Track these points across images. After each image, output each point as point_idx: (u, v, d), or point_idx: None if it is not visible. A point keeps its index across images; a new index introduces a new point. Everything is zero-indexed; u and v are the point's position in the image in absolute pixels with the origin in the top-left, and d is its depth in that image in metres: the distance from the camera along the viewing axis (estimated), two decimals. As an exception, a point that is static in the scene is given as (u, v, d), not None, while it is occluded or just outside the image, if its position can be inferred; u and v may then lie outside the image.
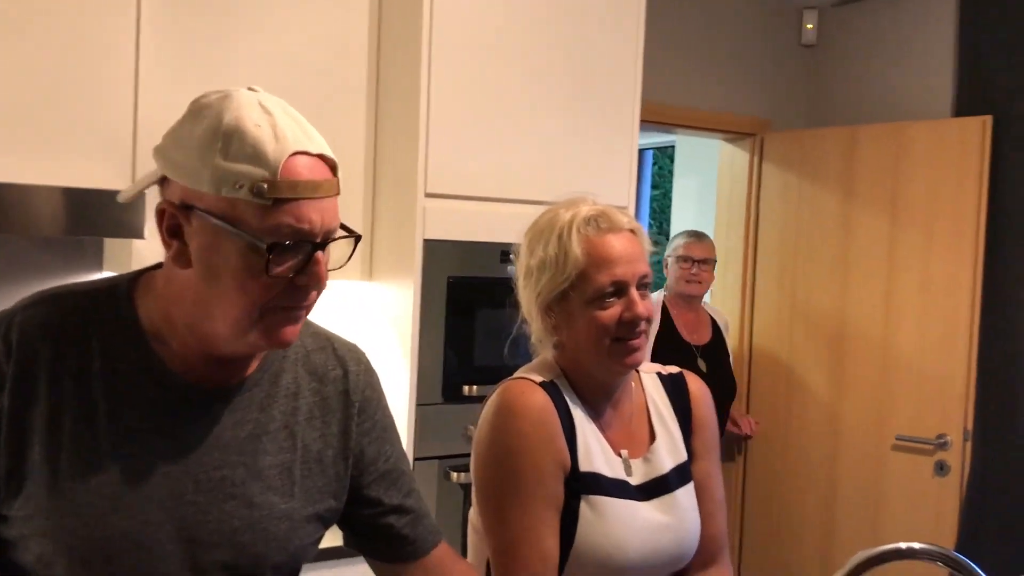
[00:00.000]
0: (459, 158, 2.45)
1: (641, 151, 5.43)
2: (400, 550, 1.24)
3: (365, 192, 2.56)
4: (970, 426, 3.13)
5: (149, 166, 2.25)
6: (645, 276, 1.42)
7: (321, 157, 1.01)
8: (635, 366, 1.45)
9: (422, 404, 2.42)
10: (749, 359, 3.75)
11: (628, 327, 1.40)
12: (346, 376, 1.19)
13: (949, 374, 3.16)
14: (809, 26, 3.73)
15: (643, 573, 1.43)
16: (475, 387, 2.48)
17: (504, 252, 2.52)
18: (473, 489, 1.46)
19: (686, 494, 1.49)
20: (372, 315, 2.57)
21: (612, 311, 1.40)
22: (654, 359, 3.02)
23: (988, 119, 3.10)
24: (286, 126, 1.00)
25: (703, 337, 3.34)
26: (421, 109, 2.38)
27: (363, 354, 1.24)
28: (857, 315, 3.40)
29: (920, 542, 1.14)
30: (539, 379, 1.43)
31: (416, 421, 2.41)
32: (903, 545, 1.14)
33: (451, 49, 2.43)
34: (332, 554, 1.99)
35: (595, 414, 1.46)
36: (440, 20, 2.40)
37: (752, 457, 3.72)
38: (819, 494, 3.50)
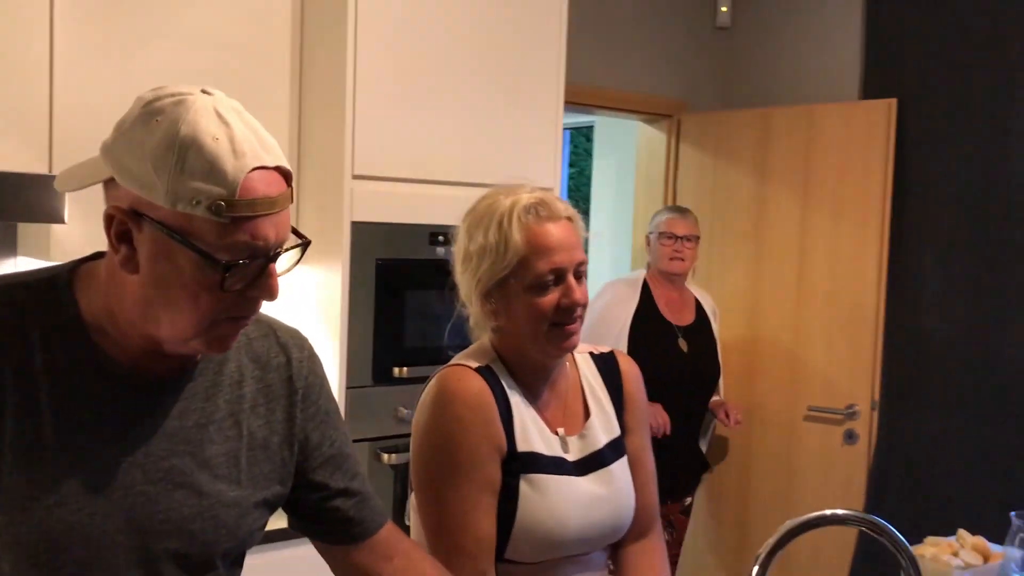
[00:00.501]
0: (386, 140, 2.45)
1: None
2: (347, 532, 1.26)
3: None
4: (877, 396, 3.29)
5: (67, 148, 2.19)
6: (582, 263, 1.47)
7: (277, 169, 1.00)
8: (571, 349, 1.50)
9: (352, 387, 2.42)
10: (668, 335, 3.85)
11: (565, 313, 1.44)
12: (289, 363, 1.20)
13: (858, 347, 3.31)
14: (724, 9, 3.82)
15: (582, 545, 1.49)
16: (405, 369, 2.49)
17: (433, 234, 2.53)
18: (411, 474, 1.49)
19: (620, 467, 1.55)
20: (300, 298, 2.55)
21: (550, 297, 1.44)
22: (632, 336, 2.92)
23: (893, 102, 3.24)
24: (244, 138, 0.98)
25: (686, 318, 3.23)
26: (347, 90, 2.36)
27: (306, 340, 1.25)
28: (770, 292, 3.53)
29: (830, 508, 1.21)
30: (475, 365, 1.47)
31: (346, 404, 2.41)
32: (828, 512, 1.21)
33: (377, 29, 2.42)
34: (274, 536, 1.99)
35: (532, 395, 1.51)
36: (366, 3, 2.39)
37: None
38: (736, 464, 3.63)
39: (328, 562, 1.30)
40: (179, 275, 0.98)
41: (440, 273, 2.55)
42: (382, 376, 2.48)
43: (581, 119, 4.52)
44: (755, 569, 1.19)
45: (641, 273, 3.28)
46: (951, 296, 3.15)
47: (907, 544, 1.18)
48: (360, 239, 2.41)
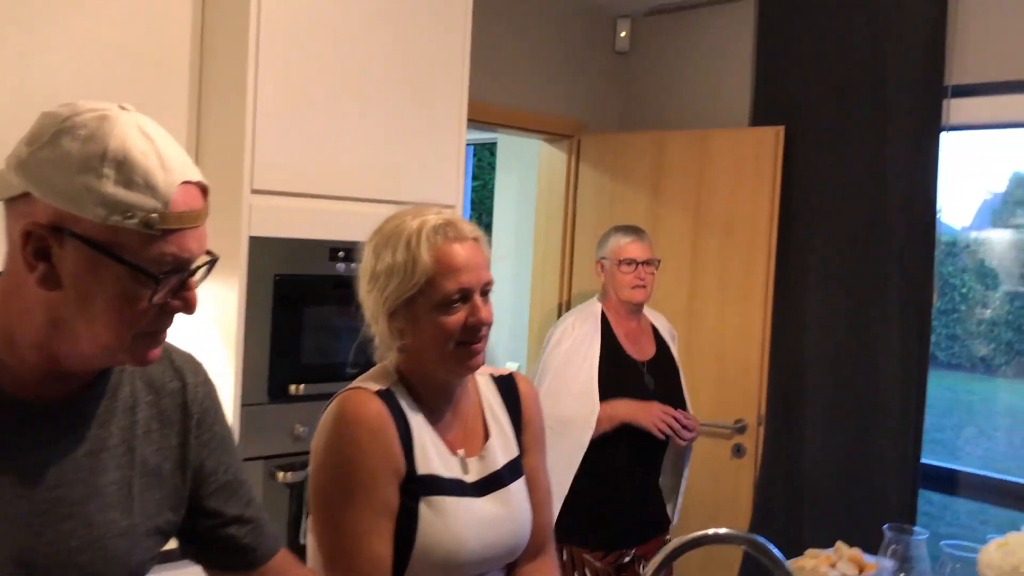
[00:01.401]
0: (287, 154, 2.43)
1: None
2: (241, 559, 1.26)
3: (186, 186, 2.48)
4: (763, 411, 3.42)
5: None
6: (488, 283, 1.51)
7: (198, 184, 1.03)
8: (476, 368, 1.54)
9: (247, 404, 2.38)
10: (566, 350, 3.91)
11: (471, 332, 1.48)
12: (184, 388, 1.19)
13: (746, 364, 3.44)
14: (623, 34, 3.92)
15: (481, 566, 1.51)
16: (302, 386, 2.47)
17: (333, 249, 2.52)
18: (308, 497, 1.49)
19: (519, 487, 1.58)
20: (196, 314, 2.50)
21: (457, 317, 1.46)
22: (607, 373, 2.81)
23: (781, 129, 3.38)
24: (168, 154, 1.00)
25: (647, 350, 2.93)
26: (248, 103, 2.33)
27: (201, 365, 1.25)
28: (663, 310, 3.61)
29: (718, 522, 1.27)
30: (375, 388, 1.48)
31: (241, 421, 2.38)
32: (711, 531, 1.26)
33: (279, 42, 2.39)
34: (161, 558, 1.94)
35: (433, 417, 1.52)
36: (268, 10, 2.37)
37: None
38: (629, 477, 3.70)
39: None
40: (104, 289, 0.98)
41: (340, 289, 2.55)
42: (278, 393, 2.45)
43: (484, 135, 4.56)
44: (644, 587, 1.24)
45: (596, 305, 2.96)
46: (830, 317, 3.30)
47: (784, 561, 1.25)
48: (258, 254, 2.38)
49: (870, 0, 3.23)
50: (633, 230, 2.98)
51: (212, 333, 2.43)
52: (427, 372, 1.52)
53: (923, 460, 3.19)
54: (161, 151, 0.99)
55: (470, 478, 1.52)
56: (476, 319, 1.47)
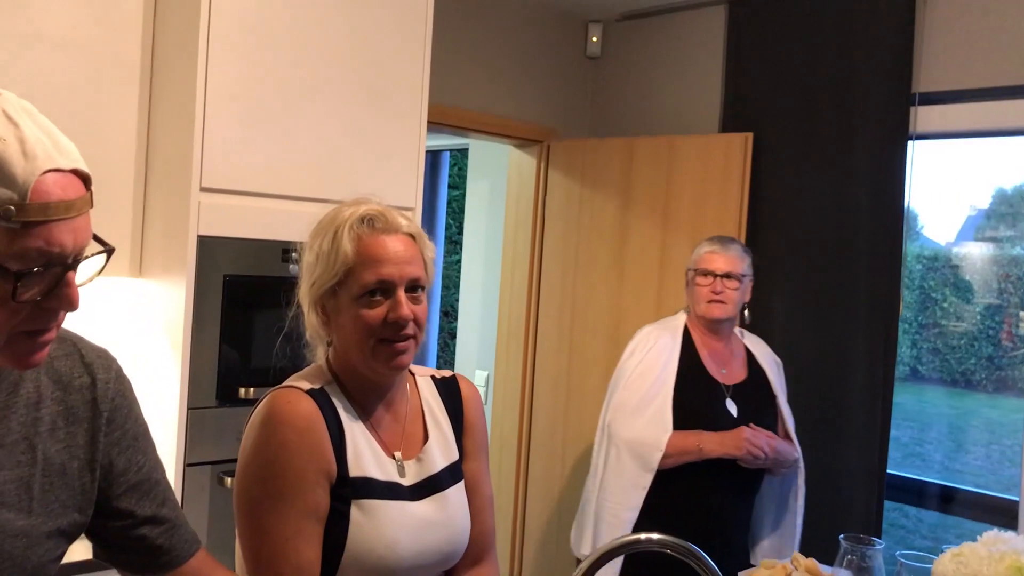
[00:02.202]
0: (238, 152, 2.38)
1: (439, 152, 5.47)
2: (155, 561, 1.22)
3: (136, 183, 2.43)
4: (729, 420, 3.37)
5: None
6: (417, 280, 1.44)
7: (74, 172, 0.96)
8: (400, 369, 1.47)
9: (194, 407, 2.33)
10: (534, 358, 3.86)
11: (393, 328, 1.42)
12: (94, 384, 1.15)
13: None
14: (594, 39, 3.89)
15: (415, 572, 1.45)
16: (252, 389, 2.42)
17: (285, 250, 2.47)
18: (233, 499, 1.43)
19: (457, 492, 1.53)
20: (142, 314, 2.45)
21: (377, 311, 1.42)
22: (685, 396, 2.58)
23: (749, 136, 3.35)
24: (35, 140, 0.93)
25: (736, 374, 2.68)
26: (197, 98, 2.29)
27: (114, 360, 1.20)
28: (632, 315, 3.59)
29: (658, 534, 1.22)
30: (307, 386, 1.43)
31: (188, 425, 2.32)
32: (643, 536, 1.22)
33: (231, 37, 2.35)
34: (81, 568, 1.89)
35: (367, 416, 1.47)
36: (220, 6, 2.32)
37: (533, 454, 3.83)
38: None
39: None
40: None
41: (292, 291, 2.50)
42: (227, 397, 2.39)
43: (459, 141, 4.53)
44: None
45: (681, 318, 2.75)
46: (796, 326, 3.26)
47: (716, 568, 1.20)
48: (207, 254, 2.33)
49: (839, 8, 3.21)
50: (720, 240, 2.73)
51: (159, 334, 2.38)
52: (356, 369, 1.47)
53: (894, 472, 3.15)
54: (26, 137, 0.93)
55: (406, 481, 1.47)
56: (396, 315, 1.41)
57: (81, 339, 1.18)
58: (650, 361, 2.62)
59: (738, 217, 3.35)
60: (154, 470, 1.22)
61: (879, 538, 2.10)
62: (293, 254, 2.48)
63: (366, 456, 1.44)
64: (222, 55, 2.33)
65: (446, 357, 6.52)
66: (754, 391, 2.67)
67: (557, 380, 3.79)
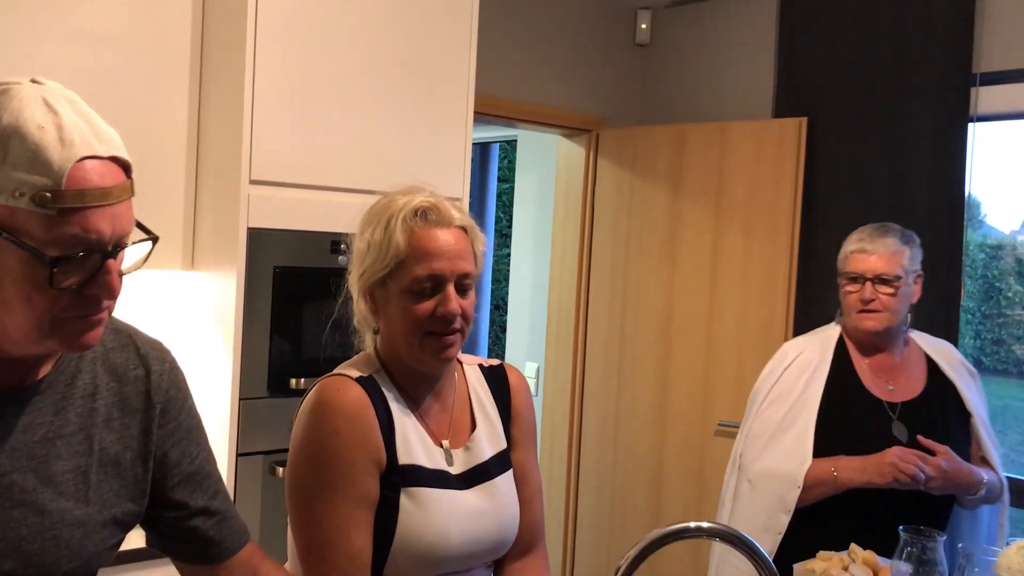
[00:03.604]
0: (286, 145, 2.40)
1: (488, 144, 5.46)
2: (207, 552, 1.23)
3: (187, 177, 2.46)
4: (785, 411, 3.31)
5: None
6: (466, 276, 1.43)
7: (113, 159, 0.97)
8: (447, 362, 1.46)
9: (246, 398, 2.35)
10: (584, 350, 3.84)
11: (441, 323, 1.41)
12: (148, 376, 1.16)
13: (766, 362, 3.33)
14: (643, 26, 3.85)
15: (464, 561, 1.45)
16: (303, 380, 2.44)
17: (334, 242, 2.48)
18: (285, 487, 1.44)
19: (505, 481, 1.52)
20: (193, 306, 2.48)
21: (426, 305, 1.41)
22: (823, 419, 2.16)
23: (803, 120, 3.29)
24: (73, 127, 0.94)
25: (906, 389, 2.22)
26: (246, 92, 2.31)
27: (168, 352, 1.21)
28: (683, 306, 3.54)
29: (709, 521, 1.20)
30: (356, 374, 1.43)
31: (240, 415, 2.34)
32: (693, 524, 1.19)
33: (279, 31, 2.37)
34: (137, 556, 1.92)
35: (415, 405, 1.47)
36: (267, 4, 2.34)
37: (585, 445, 3.81)
38: (647, 479, 3.62)
39: None
40: (9, 275, 0.93)
41: (342, 282, 2.52)
42: (278, 387, 2.41)
43: (507, 132, 4.51)
44: (618, 579, 1.17)
45: (835, 328, 2.34)
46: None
47: (766, 556, 1.17)
48: (257, 246, 2.35)
49: (895, -15, 3.13)
50: (870, 233, 2.25)
51: (211, 326, 2.41)
52: (403, 359, 1.47)
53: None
54: (64, 124, 0.93)
55: (455, 470, 1.46)
56: (445, 309, 1.40)
57: (136, 331, 1.20)
58: (789, 381, 2.27)
59: (792, 204, 3.28)
60: (207, 462, 1.24)
61: (944, 532, 1.94)
62: (342, 245, 2.49)
63: (415, 444, 1.43)
64: (269, 48, 2.35)
65: (497, 350, 6.53)
66: (932, 409, 2.20)
67: (608, 372, 3.76)
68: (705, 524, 1.20)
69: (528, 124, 3.70)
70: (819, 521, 2.14)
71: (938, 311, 3.01)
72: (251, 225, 2.33)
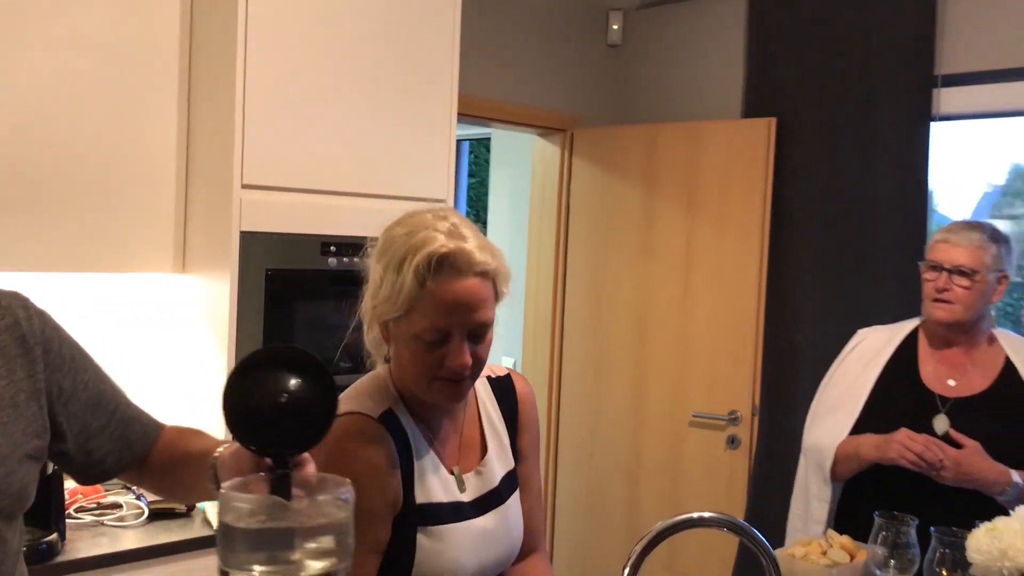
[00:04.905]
0: (277, 149, 2.44)
1: (458, 141, 5.52)
2: (129, 454, 1.34)
3: (178, 182, 2.49)
4: (757, 403, 3.43)
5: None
6: (478, 327, 1.36)
7: None
8: (458, 402, 1.44)
9: (240, 398, 2.39)
10: (561, 344, 3.92)
11: (449, 371, 1.37)
12: (17, 323, 1.24)
13: (739, 355, 3.45)
14: (615, 27, 3.93)
15: None
16: (295, 380, 2.48)
17: (325, 244, 2.53)
18: None
19: (514, 500, 1.53)
20: (185, 308, 2.51)
21: (434, 355, 1.36)
22: (871, 407, 2.25)
23: (773, 121, 3.39)
24: None
25: (971, 386, 2.23)
26: (237, 98, 2.34)
27: (27, 299, 1.29)
28: (658, 301, 3.64)
29: (711, 511, 1.28)
30: (377, 411, 1.40)
31: (234, 415, 2.38)
32: (696, 515, 1.28)
33: (267, 37, 2.40)
34: (135, 556, 1.96)
35: (432, 433, 1.46)
36: (256, 6, 2.37)
37: (563, 437, 3.90)
38: (624, 470, 3.72)
39: (139, 485, 1.43)
40: None
41: (333, 284, 2.56)
42: (271, 387, 2.45)
43: (478, 130, 4.57)
44: (627, 570, 1.25)
45: (916, 320, 2.39)
46: (822, 308, 3.31)
47: (767, 544, 1.25)
48: (250, 249, 2.39)
49: (860, -9, 3.24)
50: (956, 226, 2.27)
51: (203, 327, 2.44)
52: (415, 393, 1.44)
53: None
54: None
55: (467, 496, 1.46)
56: (451, 364, 1.35)
57: None
58: (850, 364, 2.37)
59: (762, 202, 3.39)
60: (99, 381, 1.32)
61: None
62: (332, 248, 2.54)
63: (431, 479, 1.42)
64: (259, 55, 2.39)
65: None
66: (992, 408, 2.20)
67: (584, 365, 3.84)
68: (707, 515, 1.28)
69: (504, 124, 3.77)
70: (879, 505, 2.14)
71: (904, 303, 3.12)
72: (243, 228, 2.37)
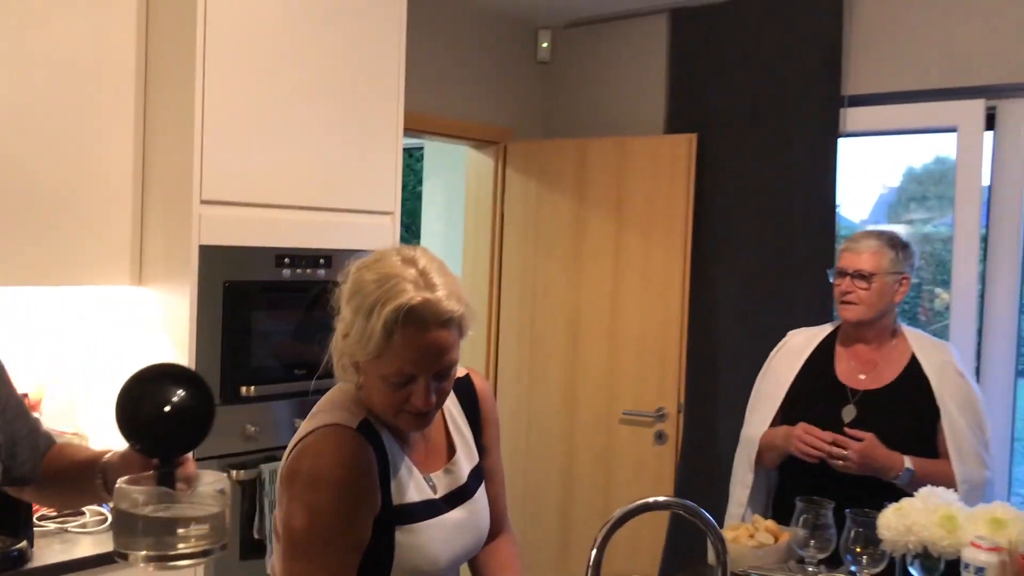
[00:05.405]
0: (234, 166, 2.53)
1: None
2: (41, 456, 1.47)
3: (134, 197, 2.56)
4: (683, 400, 3.65)
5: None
6: (444, 369, 1.45)
7: None
8: (422, 430, 1.54)
9: (201, 406, 2.48)
10: (497, 347, 4.08)
11: (414, 408, 1.46)
12: None
13: (665, 355, 3.67)
14: (544, 45, 4.11)
15: (449, 571, 1.59)
16: (252, 387, 2.57)
17: (279, 256, 2.63)
18: (281, 527, 1.47)
19: (481, 492, 1.65)
20: (143, 320, 2.58)
21: (400, 395, 1.45)
22: (789, 400, 2.54)
23: (694, 136, 3.62)
24: None
25: (877, 380, 2.49)
26: (196, 120, 2.43)
27: None
28: (589, 305, 3.83)
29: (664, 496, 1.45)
30: (355, 423, 1.48)
31: (195, 422, 2.47)
32: (652, 499, 1.45)
33: (224, 60, 2.49)
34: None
35: (403, 441, 1.55)
36: (212, 31, 2.46)
37: (501, 435, 4.04)
38: (558, 465, 3.90)
39: (25, 495, 1.52)
40: None
41: (287, 294, 2.66)
42: (230, 395, 2.55)
43: (410, 141, 4.68)
44: (594, 552, 1.42)
45: (836, 322, 2.65)
46: (742, 309, 3.55)
47: (716, 524, 1.43)
48: (209, 262, 2.48)
49: (774, 16, 3.49)
50: (857, 236, 2.56)
51: (162, 338, 2.52)
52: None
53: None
54: None
55: (439, 493, 1.57)
56: (415, 405, 1.44)
57: None
58: (778, 360, 2.66)
59: (685, 212, 3.61)
60: (16, 392, 1.43)
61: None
62: (286, 259, 2.64)
63: (406, 482, 1.52)
64: (215, 78, 2.47)
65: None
66: (896, 400, 2.45)
67: (519, 367, 4.01)
68: (663, 499, 1.46)
69: (441, 137, 3.90)
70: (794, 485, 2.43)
71: (814, 298, 3.37)
72: (202, 242, 2.46)
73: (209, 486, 1.22)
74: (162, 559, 1.15)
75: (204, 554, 1.20)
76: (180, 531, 1.15)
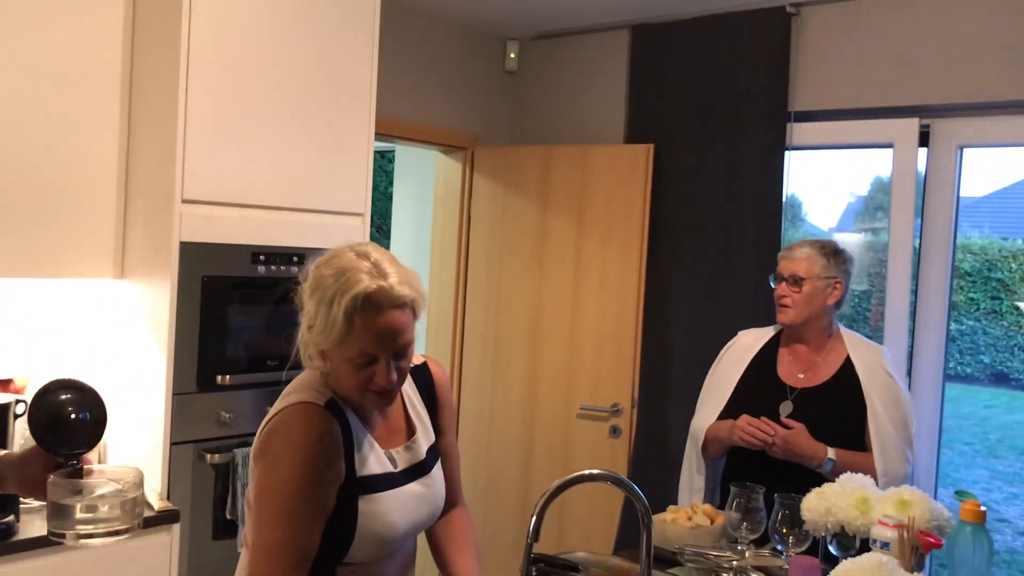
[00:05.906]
0: (214, 168, 2.67)
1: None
2: None
3: (118, 195, 2.71)
4: (636, 396, 3.84)
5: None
6: (401, 349, 1.59)
7: None
8: (386, 408, 1.70)
9: (178, 393, 2.63)
10: (462, 345, 4.26)
11: (378, 386, 1.61)
12: None
13: (621, 354, 3.85)
14: (512, 55, 4.29)
15: (407, 539, 1.77)
16: (228, 377, 2.73)
17: (254, 253, 2.78)
18: (252, 500, 1.61)
19: (438, 469, 1.80)
20: (125, 312, 2.73)
21: (364, 374, 1.59)
22: (735, 396, 2.72)
23: (651, 147, 3.81)
24: None
25: (814, 378, 2.67)
26: (179, 122, 2.57)
27: None
28: (550, 306, 4.01)
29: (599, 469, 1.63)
30: (323, 400, 1.62)
31: (172, 408, 2.62)
32: (587, 472, 1.63)
33: (207, 65, 2.63)
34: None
35: (365, 419, 1.70)
36: (197, 34, 2.59)
37: (463, 430, 4.22)
38: (519, 458, 4.08)
39: None
40: None
41: (261, 289, 2.81)
42: (206, 383, 2.70)
43: (381, 145, 4.83)
44: (533, 519, 1.60)
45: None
46: (692, 311, 3.74)
47: (641, 494, 1.62)
48: (188, 258, 2.63)
49: (728, 35, 3.69)
50: (793, 244, 2.75)
51: (143, 329, 2.67)
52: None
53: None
54: None
55: (398, 467, 1.72)
56: (378, 383, 1.59)
57: None
58: (726, 359, 2.83)
59: (642, 219, 3.80)
60: None
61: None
62: (261, 256, 2.80)
63: (368, 456, 1.67)
64: (199, 82, 2.61)
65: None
66: (829, 397, 2.63)
67: (483, 365, 4.18)
68: (596, 471, 1.64)
69: (411, 141, 4.06)
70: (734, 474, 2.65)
71: (761, 300, 3.54)
72: (183, 239, 2.61)
73: (125, 477, 1.47)
74: (90, 536, 1.41)
75: (122, 532, 1.43)
76: (98, 512, 1.42)
